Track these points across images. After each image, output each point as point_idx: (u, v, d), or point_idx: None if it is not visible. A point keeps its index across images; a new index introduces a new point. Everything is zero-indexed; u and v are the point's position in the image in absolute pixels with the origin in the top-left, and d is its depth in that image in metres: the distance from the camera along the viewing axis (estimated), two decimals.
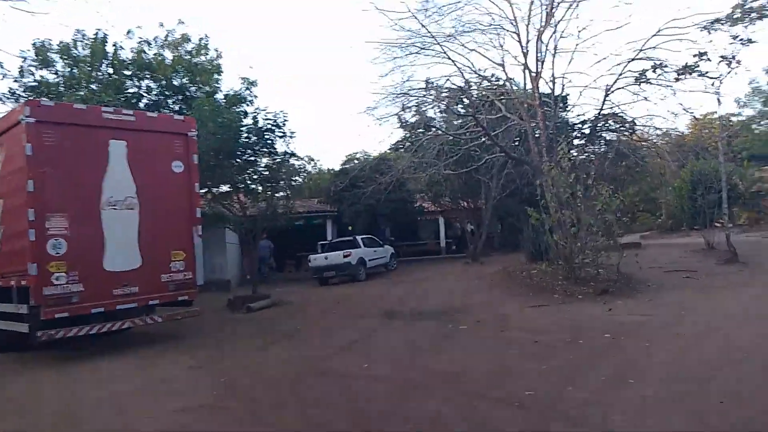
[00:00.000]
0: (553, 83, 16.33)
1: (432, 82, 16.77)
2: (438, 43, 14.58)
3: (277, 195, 17.01)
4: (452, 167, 18.78)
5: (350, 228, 26.98)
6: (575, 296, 11.57)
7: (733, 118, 38.03)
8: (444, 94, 15.92)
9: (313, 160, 48.14)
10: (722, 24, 14.89)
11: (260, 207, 16.49)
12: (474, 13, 16.29)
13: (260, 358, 8.42)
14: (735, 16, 14.69)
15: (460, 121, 18.23)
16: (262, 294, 15.74)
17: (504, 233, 28.98)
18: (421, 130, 22.09)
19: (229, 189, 16.44)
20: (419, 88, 15.91)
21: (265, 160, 16.35)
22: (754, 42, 15.21)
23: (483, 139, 16.63)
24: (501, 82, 17.18)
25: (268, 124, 15.88)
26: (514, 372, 6.57)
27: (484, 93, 16.83)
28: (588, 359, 6.85)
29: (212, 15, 77.84)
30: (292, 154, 16.64)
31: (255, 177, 16.10)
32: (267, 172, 16.20)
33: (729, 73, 15.82)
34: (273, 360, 8.24)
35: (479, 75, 16.61)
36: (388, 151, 27.20)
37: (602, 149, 20.34)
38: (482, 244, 25.23)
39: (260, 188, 16.36)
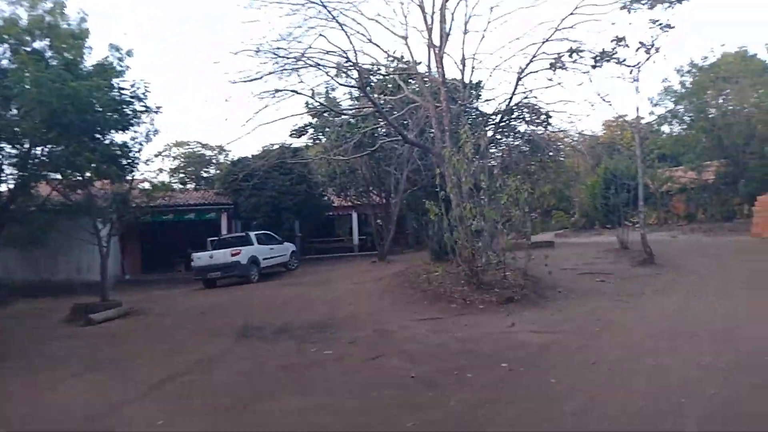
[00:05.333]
0: (463, 65, 14.64)
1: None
2: None
3: (131, 182, 14.21)
4: (350, 153, 16.62)
5: (254, 223, 24.45)
6: (476, 305, 9.79)
7: (644, 120, 38.67)
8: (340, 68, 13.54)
9: (224, 150, 44.97)
10: (642, 4, 13.70)
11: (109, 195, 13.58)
12: None
13: (17, 403, 5.94)
14: None
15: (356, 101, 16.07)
16: (112, 301, 12.98)
17: (418, 230, 27.50)
18: (325, 113, 19.95)
19: (79, 177, 13.42)
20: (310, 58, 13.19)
21: (121, 138, 13.47)
22: (672, 27, 14.23)
23: (381, 122, 14.53)
24: (403, 59, 15.22)
25: (125, 95, 13.08)
26: None
27: (380, 69, 14.72)
28: (472, 409, 4.92)
29: None
30: (155, 132, 13.88)
31: (105, 159, 13.08)
32: (119, 153, 13.28)
33: (647, 60, 14.82)
34: (26, 407, 5.80)
35: (377, 46, 14.38)
36: (293, 138, 24.84)
37: (516, 141, 19.04)
38: (391, 242, 23.51)
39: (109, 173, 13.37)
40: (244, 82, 12.00)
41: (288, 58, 11.78)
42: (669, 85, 31.51)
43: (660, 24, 13.93)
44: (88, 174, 13.86)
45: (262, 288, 16.57)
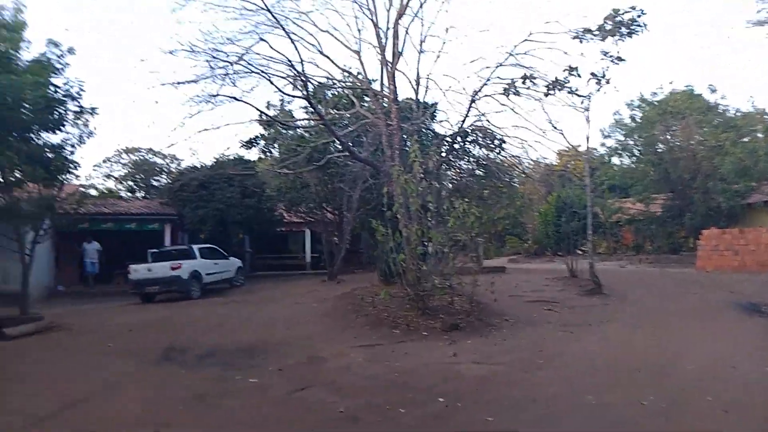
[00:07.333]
0: (417, 84, 14.44)
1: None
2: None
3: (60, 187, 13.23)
4: (301, 167, 16.06)
5: (201, 236, 23.48)
6: (419, 332, 9.36)
7: (596, 150, 39.72)
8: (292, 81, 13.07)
9: (176, 159, 43.65)
10: (594, 35, 13.85)
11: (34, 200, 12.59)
12: None
13: None
14: (607, 28, 13.69)
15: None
16: (33, 314, 11.95)
17: (371, 249, 27.07)
18: (280, 128, 19.41)
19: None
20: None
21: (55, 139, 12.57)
22: (623, 60, 14.44)
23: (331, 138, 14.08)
24: (357, 74, 14.88)
25: (57, 93, 12.19)
26: None
27: (335, 83, 14.31)
28: None
29: None
30: (90, 134, 13.00)
31: (29, 160, 12.09)
32: (51, 155, 12.36)
33: (598, 91, 14.96)
34: None
35: (330, 60, 13.95)
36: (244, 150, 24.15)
37: (470, 165, 18.90)
38: (343, 261, 22.95)
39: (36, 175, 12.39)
40: (175, 84, 11.27)
41: (227, 61, 11.18)
42: (620, 118, 32.46)
43: (611, 56, 14.12)
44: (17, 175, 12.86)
45: (201, 305, 15.71)
